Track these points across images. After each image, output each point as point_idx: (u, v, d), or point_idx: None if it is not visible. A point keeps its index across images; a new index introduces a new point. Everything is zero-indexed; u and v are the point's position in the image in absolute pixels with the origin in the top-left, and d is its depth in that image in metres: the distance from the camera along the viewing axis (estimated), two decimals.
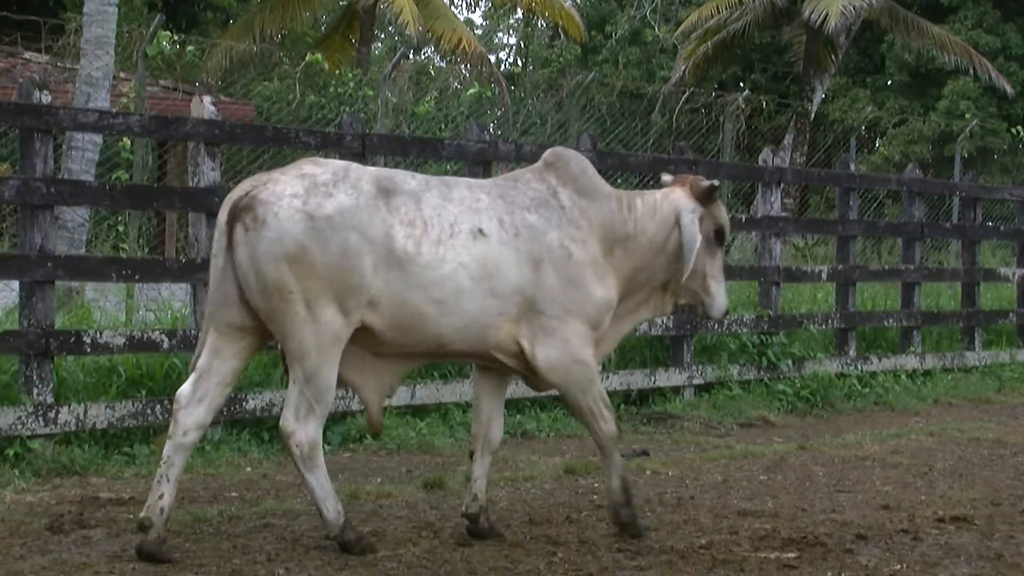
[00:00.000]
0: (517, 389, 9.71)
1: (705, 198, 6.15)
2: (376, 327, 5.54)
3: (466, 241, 5.61)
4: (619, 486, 6.11)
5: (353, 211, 5.45)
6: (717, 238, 6.22)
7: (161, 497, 5.52)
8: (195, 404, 5.52)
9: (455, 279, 5.57)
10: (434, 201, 5.62)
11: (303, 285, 5.38)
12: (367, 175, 5.58)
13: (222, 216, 5.54)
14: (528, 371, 5.87)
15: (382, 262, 5.47)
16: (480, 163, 9.73)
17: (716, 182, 6.17)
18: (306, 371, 5.48)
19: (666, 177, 6.47)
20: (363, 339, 5.59)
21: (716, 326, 11.07)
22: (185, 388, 5.57)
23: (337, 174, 5.53)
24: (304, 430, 5.58)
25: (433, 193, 5.65)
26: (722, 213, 6.30)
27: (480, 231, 5.65)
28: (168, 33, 17.87)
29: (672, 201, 6.17)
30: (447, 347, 5.70)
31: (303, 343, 5.44)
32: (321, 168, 5.56)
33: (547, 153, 6.09)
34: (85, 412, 7.73)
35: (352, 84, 19.43)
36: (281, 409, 8.43)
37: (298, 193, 5.42)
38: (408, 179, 5.69)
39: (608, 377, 10.26)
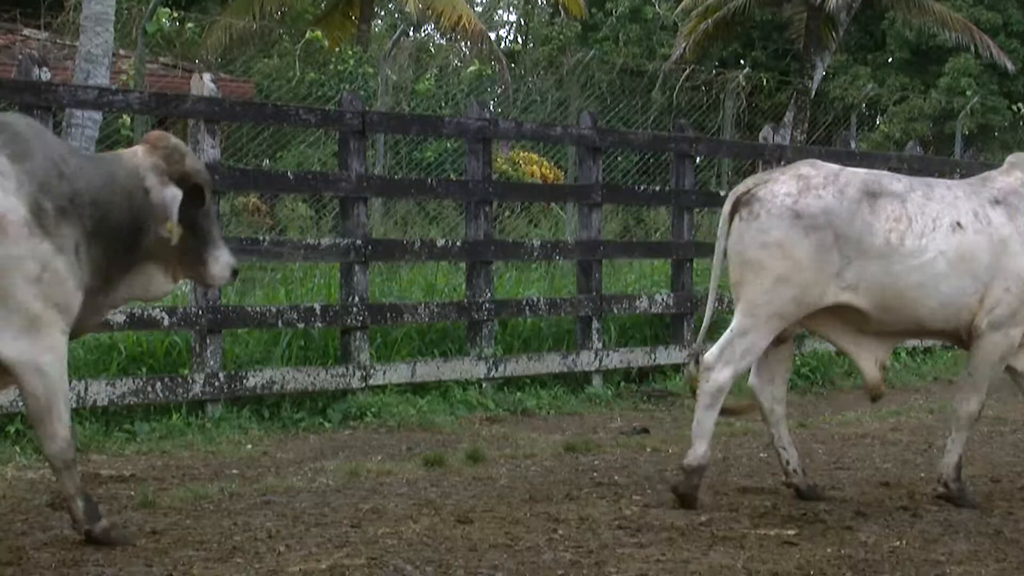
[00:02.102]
0: (517, 366, 9.73)
1: None
2: (861, 307, 6.31)
3: (946, 233, 6.33)
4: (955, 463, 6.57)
5: (835, 212, 6.27)
6: None
7: (787, 463, 6.64)
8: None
9: (935, 266, 6.29)
10: (918, 200, 6.38)
11: (775, 265, 6.25)
12: (856, 179, 6.42)
13: (726, 207, 6.45)
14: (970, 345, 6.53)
15: (858, 255, 6.25)
16: (480, 141, 9.73)
17: None
18: (744, 326, 6.32)
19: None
20: (852, 318, 6.39)
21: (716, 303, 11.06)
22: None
23: (828, 178, 6.40)
24: (721, 372, 6.36)
25: (917, 193, 6.41)
26: None
27: (958, 224, 6.36)
28: (168, 10, 17.83)
29: None
30: (924, 324, 6.44)
31: (755, 304, 6.30)
32: (816, 171, 6.44)
33: (1011, 156, 6.92)
34: (86, 389, 7.74)
35: (352, 62, 19.38)
36: (282, 387, 8.49)
37: (791, 193, 6.31)
38: (894, 182, 6.48)
39: (608, 355, 10.28)
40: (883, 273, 6.26)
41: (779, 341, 6.51)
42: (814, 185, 6.34)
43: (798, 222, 6.24)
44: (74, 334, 5.30)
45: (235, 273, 5.67)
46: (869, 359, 6.54)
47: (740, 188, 6.47)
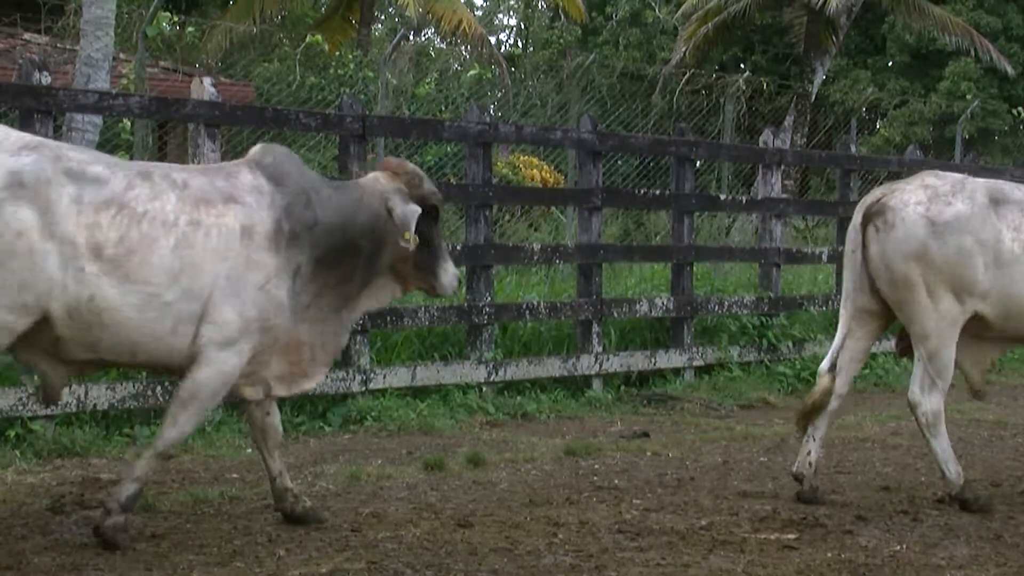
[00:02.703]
0: (517, 370, 9.73)
1: None
2: (987, 316, 6.49)
3: None
4: None
5: (968, 218, 6.41)
6: None
7: (809, 454, 6.79)
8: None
9: None
10: None
11: (925, 278, 6.39)
12: (980, 187, 6.52)
13: (856, 218, 6.61)
14: None
15: (992, 261, 6.42)
16: (480, 144, 9.73)
17: None
18: (928, 350, 6.48)
19: None
20: (970, 325, 6.51)
21: (716, 307, 11.09)
22: (824, 364, 6.74)
23: (955, 186, 6.51)
24: (928, 401, 6.55)
25: None
26: None
27: None
28: (168, 14, 17.81)
29: None
30: None
31: (925, 326, 6.45)
32: (941, 180, 6.54)
33: None
34: (86, 393, 7.74)
35: (352, 65, 19.39)
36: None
37: (921, 201, 6.44)
38: (1015, 190, 6.60)
39: (608, 358, 10.28)
40: (1010, 280, 6.45)
41: (863, 338, 6.73)
42: (942, 193, 6.47)
43: (933, 229, 6.40)
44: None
45: (459, 283, 6.45)
46: (977, 364, 6.76)
47: (869, 199, 6.63)
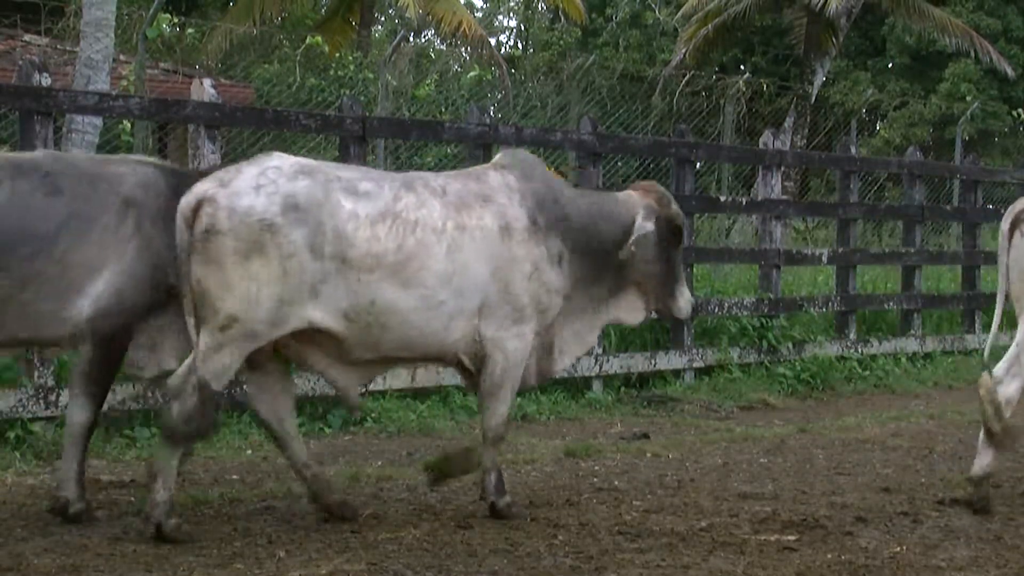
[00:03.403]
0: None
1: None
2: None
3: None
4: None
5: None
6: None
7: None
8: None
9: None
10: None
11: None
12: None
13: (1005, 224, 6.80)
14: None
15: None
16: (480, 146, 9.73)
17: None
18: None
19: None
20: None
21: (716, 308, 11.09)
22: (1000, 366, 6.71)
23: None
24: (1009, 385, 6.58)
25: None
26: None
27: None
28: (168, 15, 17.81)
29: None
30: None
31: None
32: None
33: None
34: None
35: (352, 67, 19.39)
36: None
37: None
38: None
39: (608, 360, 10.28)
40: None
41: None
42: None
43: None
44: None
45: (693, 309, 6.90)
46: None
47: (1019, 205, 6.78)
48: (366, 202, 5.70)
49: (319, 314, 5.61)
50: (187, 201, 5.59)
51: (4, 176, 5.73)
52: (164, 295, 5.91)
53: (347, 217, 5.63)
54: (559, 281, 6.09)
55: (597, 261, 6.21)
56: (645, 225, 6.28)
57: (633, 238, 6.24)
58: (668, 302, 6.49)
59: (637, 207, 6.34)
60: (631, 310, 6.48)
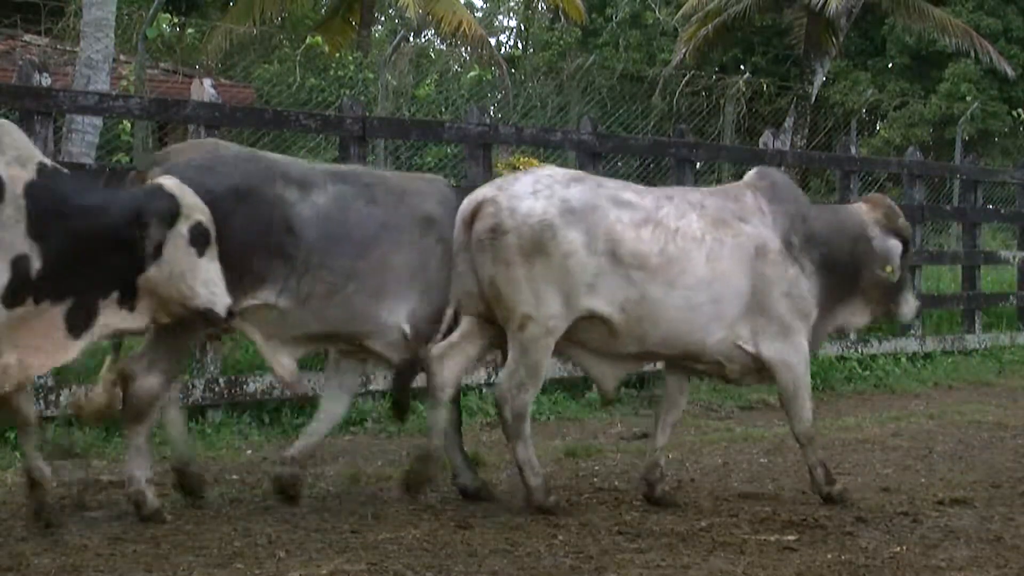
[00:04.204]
0: None
1: None
2: None
3: None
4: None
5: None
6: None
7: None
8: None
9: None
10: None
11: None
12: None
13: None
14: None
15: None
16: (481, 146, 9.73)
17: None
18: None
19: None
20: None
21: None
22: None
23: None
24: None
25: None
26: None
27: None
28: (168, 15, 17.83)
29: None
30: None
31: None
32: None
33: None
34: (86, 395, 7.71)
35: (352, 67, 19.40)
36: (282, 392, 8.46)
37: None
38: None
39: None
40: None
41: None
42: None
43: None
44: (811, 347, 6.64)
45: (919, 315, 7.04)
46: None
47: None
48: (629, 209, 6.23)
49: (600, 303, 6.13)
50: (467, 204, 6.21)
51: (327, 181, 6.23)
52: None
53: (614, 220, 6.16)
54: (813, 292, 6.51)
55: (834, 272, 6.59)
56: (893, 244, 6.69)
57: (892, 264, 6.68)
58: (894, 308, 6.86)
59: (868, 222, 6.74)
60: (857, 315, 6.85)
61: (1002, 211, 15.58)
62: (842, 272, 6.64)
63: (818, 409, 10.22)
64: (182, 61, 19.54)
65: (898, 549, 5.74)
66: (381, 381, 8.93)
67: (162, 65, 18.54)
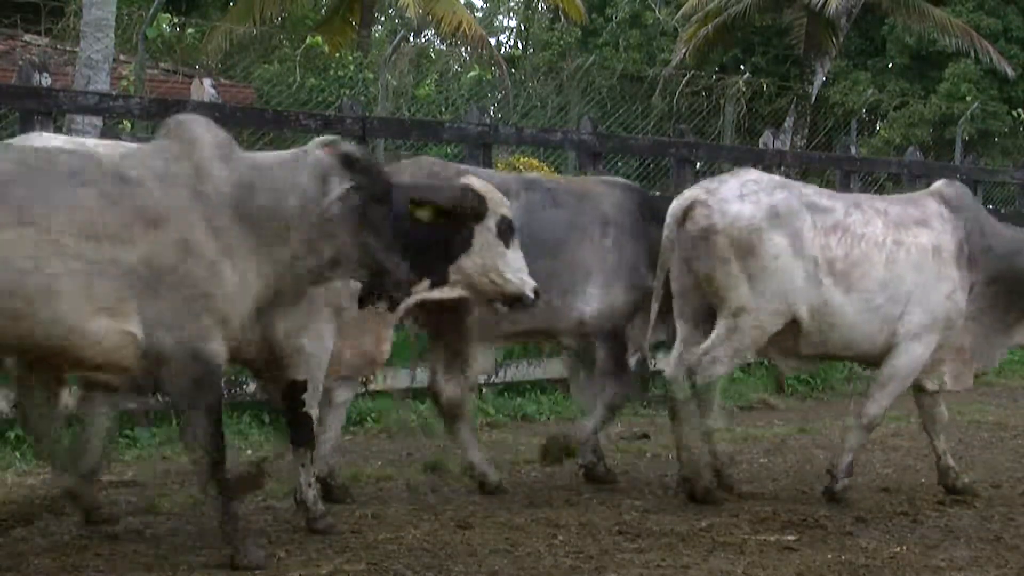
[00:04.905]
0: (517, 372, 9.73)
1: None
2: None
3: None
4: None
5: None
6: None
7: None
8: None
9: None
10: None
11: None
12: None
13: None
14: None
15: None
16: (481, 146, 9.73)
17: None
18: None
19: None
20: None
21: None
22: None
23: None
24: None
25: None
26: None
27: None
28: (168, 15, 17.82)
29: None
30: None
31: None
32: None
33: None
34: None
35: (352, 67, 19.37)
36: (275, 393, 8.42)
37: None
38: None
39: None
40: None
41: None
42: None
43: None
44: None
45: None
46: None
47: None
48: (823, 215, 6.58)
49: (801, 309, 6.48)
50: (679, 204, 6.57)
51: (519, 189, 6.78)
52: (640, 298, 6.92)
53: (810, 226, 6.51)
54: (965, 306, 6.78)
55: (1012, 288, 6.87)
56: None
57: None
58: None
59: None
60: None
61: (1002, 211, 15.57)
62: (1014, 287, 6.91)
63: (818, 409, 10.28)
64: (182, 61, 19.52)
65: (898, 549, 5.75)
66: (381, 381, 8.93)
67: (162, 65, 18.53)
